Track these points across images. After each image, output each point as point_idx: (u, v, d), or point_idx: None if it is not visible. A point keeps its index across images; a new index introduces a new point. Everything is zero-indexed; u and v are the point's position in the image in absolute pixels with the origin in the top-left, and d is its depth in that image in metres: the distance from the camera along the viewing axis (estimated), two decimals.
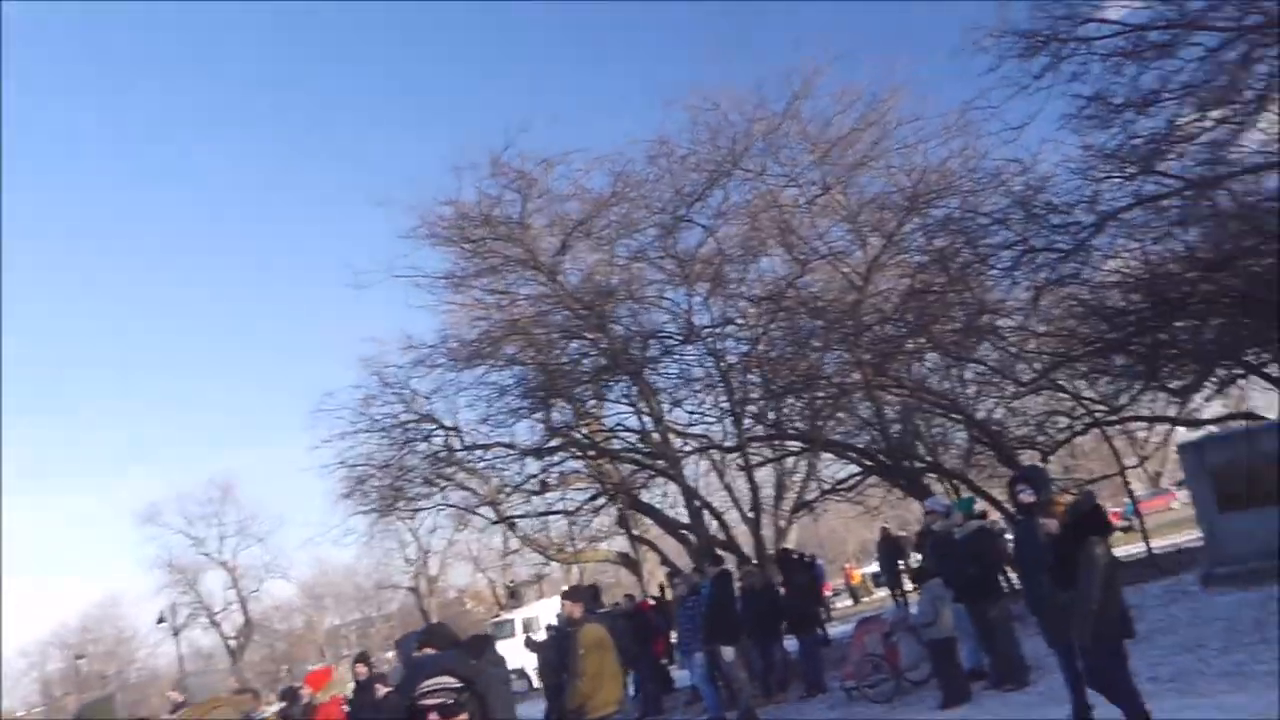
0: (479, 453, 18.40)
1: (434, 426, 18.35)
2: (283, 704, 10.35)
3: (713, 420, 18.16)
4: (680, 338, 16.74)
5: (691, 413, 17.71)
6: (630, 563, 22.10)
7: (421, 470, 18.49)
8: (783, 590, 14.80)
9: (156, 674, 56.07)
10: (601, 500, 19.10)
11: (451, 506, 19.75)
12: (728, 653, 13.71)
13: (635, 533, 20.97)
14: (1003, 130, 12.24)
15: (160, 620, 41.59)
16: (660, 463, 17.36)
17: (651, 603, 18.00)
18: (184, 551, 53.20)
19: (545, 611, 27.89)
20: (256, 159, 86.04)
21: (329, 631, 67.73)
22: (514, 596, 33.46)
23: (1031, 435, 17.65)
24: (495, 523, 19.53)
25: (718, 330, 16.47)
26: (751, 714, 12.49)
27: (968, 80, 12.32)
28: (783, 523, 30.54)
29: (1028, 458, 17.02)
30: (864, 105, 15.63)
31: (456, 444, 18.10)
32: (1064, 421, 17.18)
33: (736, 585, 13.91)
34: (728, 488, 18.39)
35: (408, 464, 18.29)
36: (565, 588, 10.64)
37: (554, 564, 24.66)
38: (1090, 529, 6.95)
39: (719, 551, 17.46)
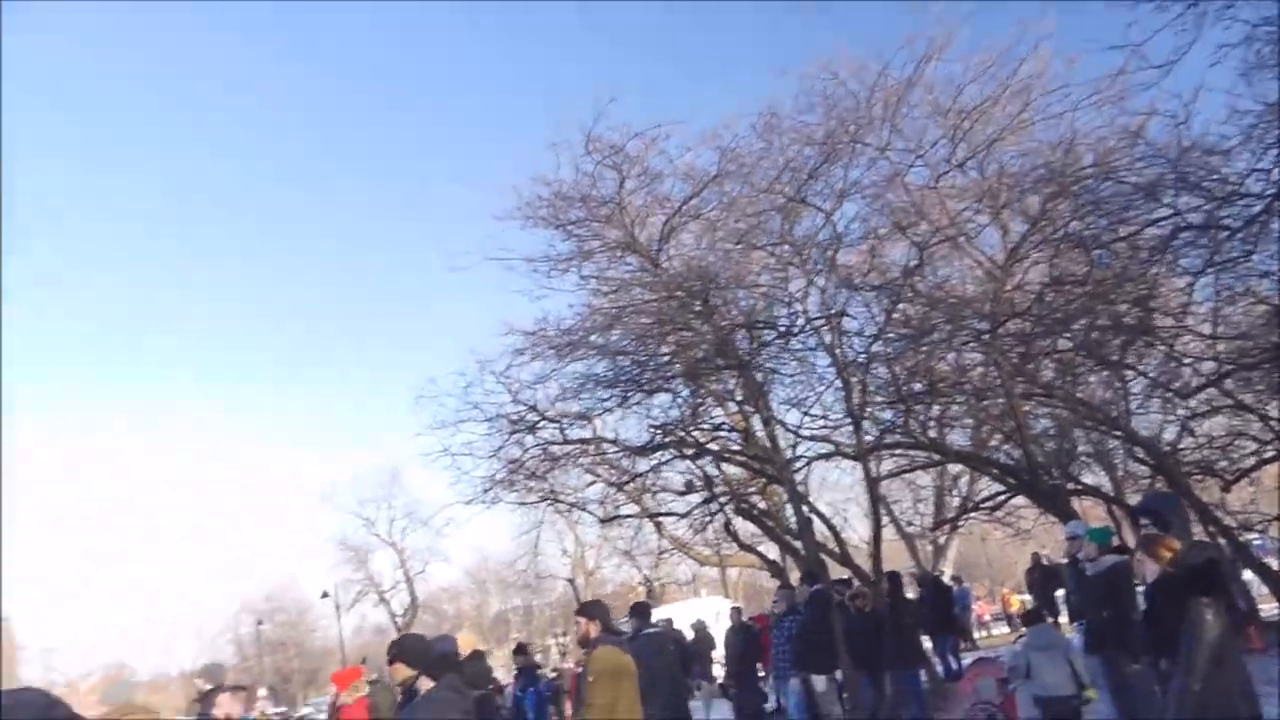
0: (581, 447, 17.55)
1: (538, 418, 17.63)
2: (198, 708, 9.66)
3: (832, 425, 16.50)
4: (792, 330, 15.16)
5: (805, 414, 16.07)
6: (777, 570, 20.81)
7: (527, 463, 17.84)
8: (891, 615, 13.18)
9: (332, 643, 59.22)
10: (715, 505, 17.93)
11: (558, 501, 19.02)
12: (819, 682, 12.43)
13: (743, 541, 19.57)
14: (1163, 93, 10.15)
15: (324, 595, 43.47)
16: (768, 467, 15.88)
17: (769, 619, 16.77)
18: (356, 531, 55.72)
19: (690, 611, 27.24)
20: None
21: (496, 616, 69.55)
22: (650, 595, 32.60)
23: (1211, 460, 15.05)
24: (604, 521, 18.69)
25: (834, 322, 14.78)
26: None
27: (1123, 31, 10.21)
28: (940, 539, 28.08)
29: (1204, 488, 14.53)
30: (1001, 70, 13.62)
31: (558, 436, 17.29)
32: (1251, 445, 14.48)
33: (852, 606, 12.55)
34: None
35: (512, 455, 17.69)
36: (581, 604, 9.64)
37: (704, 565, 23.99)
38: (1200, 588, 5.23)
39: (845, 570, 15.92)
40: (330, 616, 56.23)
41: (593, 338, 15.99)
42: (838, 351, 14.81)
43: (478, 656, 9.17)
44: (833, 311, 14.74)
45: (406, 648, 5.63)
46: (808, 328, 15.01)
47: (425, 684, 5.30)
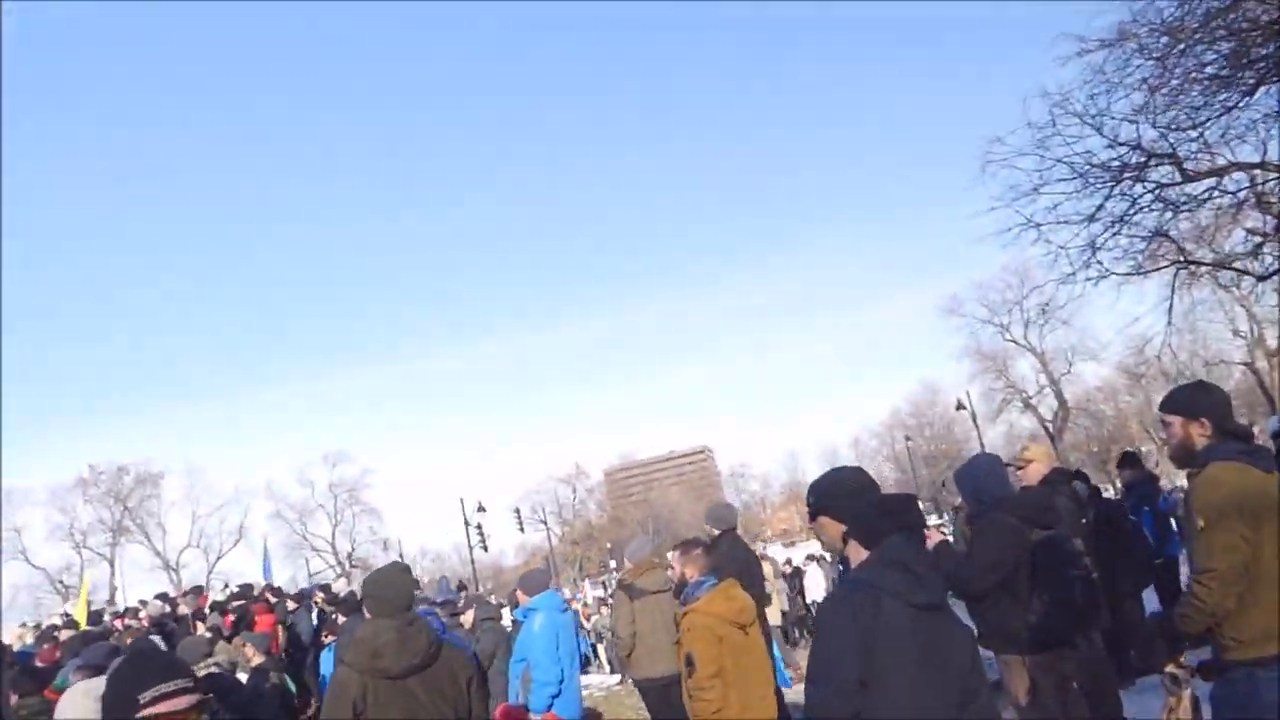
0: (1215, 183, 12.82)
1: (1144, 157, 13.29)
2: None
3: None
4: None
5: None
6: None
7: (1137, 219, 13.73)
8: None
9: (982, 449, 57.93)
10: None
11: (1190, 264, 14.43)
12: None
13: None
14: None
15: (959, 407, 41.97)
16: None
17: None
18: (990, 339, 53.00)
19: None
20: None
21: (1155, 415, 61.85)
22: None
23: None
24: (1260, 279, 13.68)
25: None
26: None
27: None
28: None
29: None
30: None
31: (1174, 176, 12.82)
32: None
33: None
34: None
35: (1117, 212, 13.71)
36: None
37: None
38: None
39: None
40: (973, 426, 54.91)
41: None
42: None
43: (1054, 479, 6.38)
44: None
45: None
46: None
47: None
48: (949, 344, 58.22)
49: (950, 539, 7.39)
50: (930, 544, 5.56)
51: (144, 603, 13.73)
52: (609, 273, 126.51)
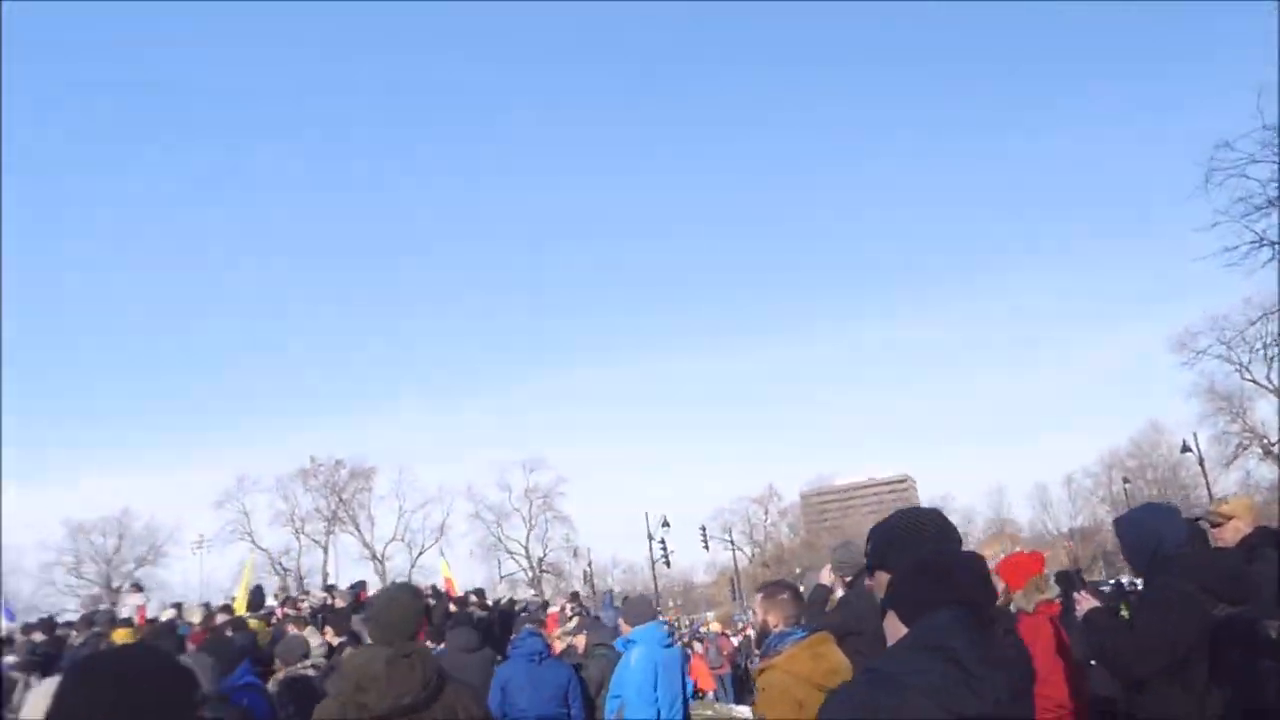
0: None
1: None
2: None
3: None
4: None
5: None
6: None
7: None
8: None
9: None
10: None
11: None
12: None
13: None
14: None
15: (1185, 449, 37.93)
16: None
17: None
18: (1226, 378, 47.81)
19: None
20: None
21: None
22: None
23: None
24: None
25: None
26: None
27: None
28: None
29: None
30: None
31: None
32: None
33: None
34: None
35: None
36: None
37: None
38: None
39: None
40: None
41: None
42: None
43: (1257, 541, 5.13)
44: None
45: None
46: None
47: None
48: (1179, 380, 53.13)
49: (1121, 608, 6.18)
50: (1080, 610, 4.58)
51: (307, 592, 14.15)
52: (827, 291, 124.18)
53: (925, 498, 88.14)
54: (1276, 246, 12.15)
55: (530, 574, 64.27)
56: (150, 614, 14.14)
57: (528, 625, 7.25)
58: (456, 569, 25.09)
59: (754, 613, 4.51)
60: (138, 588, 15.30)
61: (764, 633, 4.28)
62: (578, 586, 53.81)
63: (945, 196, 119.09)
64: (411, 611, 3.43)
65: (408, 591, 3.67)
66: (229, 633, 9.28)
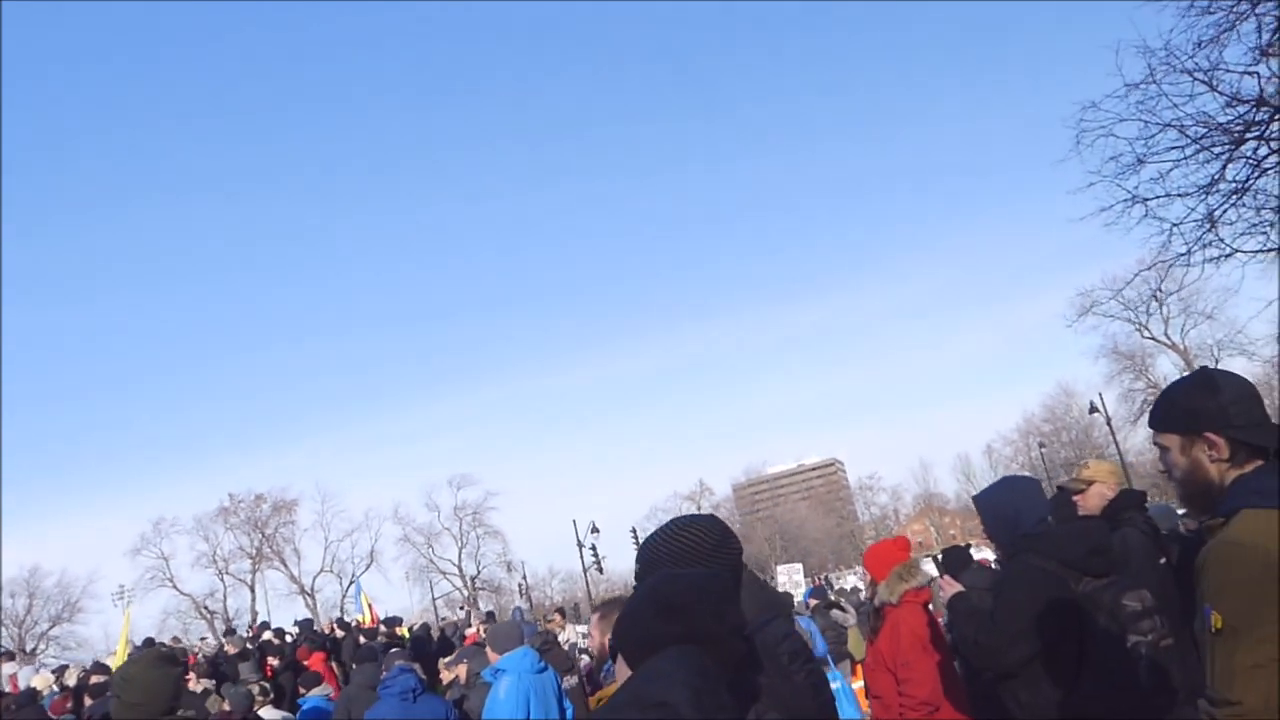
0: None
1: (1269, 113, 11.45)
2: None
3: None
4: None
5: None
6: None
7: (1265, 187, 11.86)
8: None
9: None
10: None
11: None
12: None
13: None
14: None
15: (1092, 410, 39.02)
16: None
17: None
18: (1128, 337, 49.24)
19: None
20: None
21: None
22: None
23: None
24: None
25: None
26: None
27: None
28: None
29: None
30: None
31: None
32: None
33: None
34: None
35: (1236, 179, 11.89)
36: None
37: None
38: None
39: None
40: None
41: None
42: None
43: (1121, 506, 4.92)
44: None
45: None
46: None
47: None
48: (1084, 344, 54.57)
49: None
50: (944, 596, 4.31)
51: (231, 631, 13.44)
52: (730, 283, 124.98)
53: (854, 478, 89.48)
54: (1148, 203, 12.23)
55: (466, 593, 63.18)
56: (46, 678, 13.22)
57: (399, 661, 6.72)
58: (391, 594, 24.33)
59: (591, 635, 4.11)
60: (9, 656, 14.32)
61: (603, 657, 3.89)
62: (517, 601, 53.07)
63: (845, 186, 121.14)
64: (160, 684, 2.96)
65: (151, 663, 3.17)
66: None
